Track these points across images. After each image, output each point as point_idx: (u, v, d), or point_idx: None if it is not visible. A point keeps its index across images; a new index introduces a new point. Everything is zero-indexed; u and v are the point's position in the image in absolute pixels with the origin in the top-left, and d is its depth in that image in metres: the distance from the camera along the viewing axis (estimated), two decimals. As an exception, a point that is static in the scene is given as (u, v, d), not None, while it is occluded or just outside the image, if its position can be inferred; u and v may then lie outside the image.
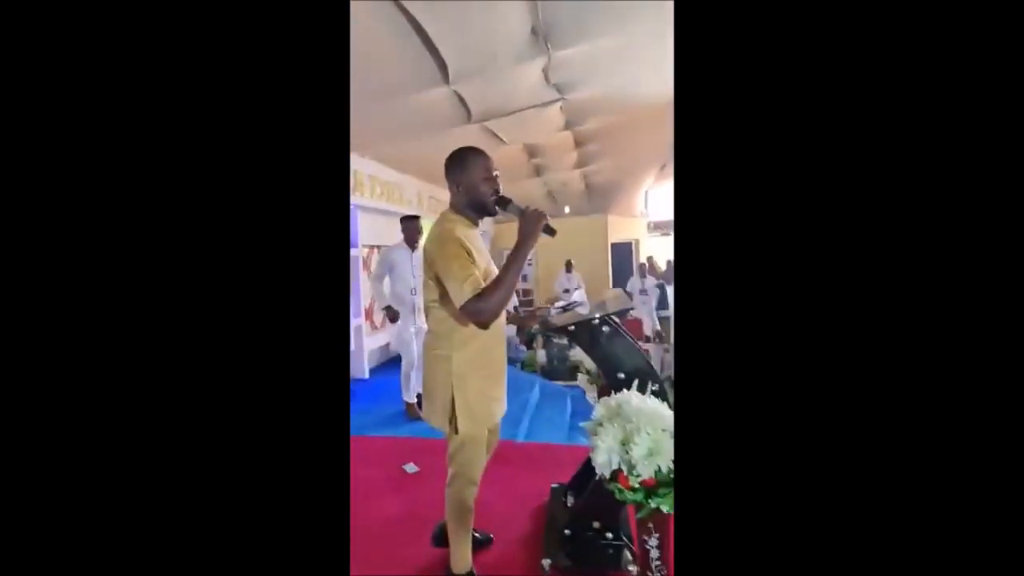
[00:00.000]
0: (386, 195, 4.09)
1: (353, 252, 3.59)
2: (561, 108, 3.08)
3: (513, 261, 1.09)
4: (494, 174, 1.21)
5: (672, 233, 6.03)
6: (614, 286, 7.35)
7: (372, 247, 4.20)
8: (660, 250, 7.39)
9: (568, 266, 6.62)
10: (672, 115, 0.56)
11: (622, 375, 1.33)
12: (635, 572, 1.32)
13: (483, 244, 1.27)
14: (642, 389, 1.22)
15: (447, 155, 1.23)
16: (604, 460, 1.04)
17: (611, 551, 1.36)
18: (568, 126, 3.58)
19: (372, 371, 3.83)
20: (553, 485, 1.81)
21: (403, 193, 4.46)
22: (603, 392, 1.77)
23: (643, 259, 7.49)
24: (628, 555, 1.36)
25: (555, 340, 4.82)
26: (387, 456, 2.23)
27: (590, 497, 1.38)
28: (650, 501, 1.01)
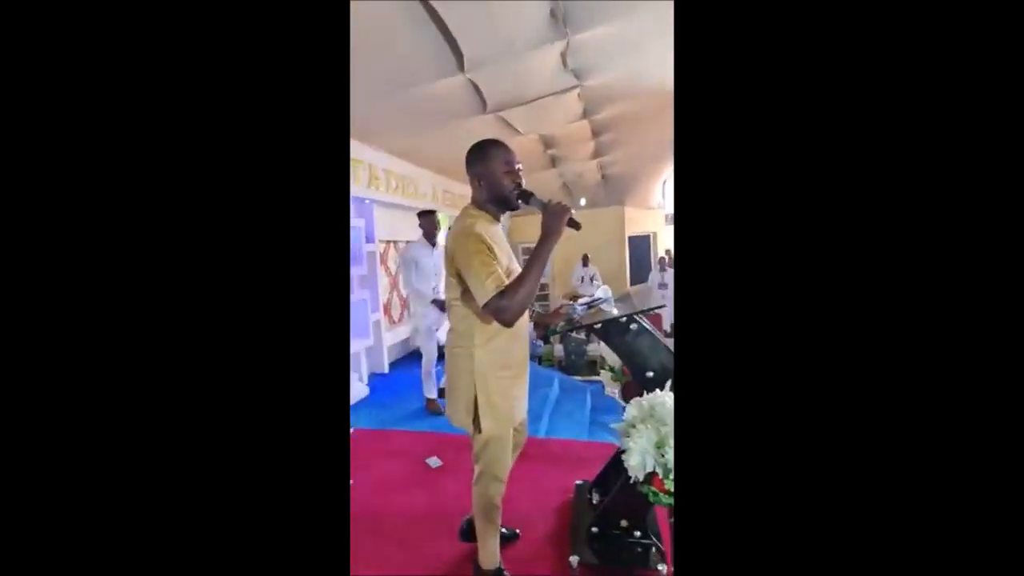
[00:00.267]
0: (401, 189, 4.09)
1: (370, 247, 3.60)
2: (579, 95, 3.01)
3: (537, 257, 1.06)
4: (516, 167, 1.18)
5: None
6: (632, 279, 7.25)
7: (388, 242, 4.21)
8: (679, 242, 7.23)
9: (585, 260, 6.54)
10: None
11: (651, 374, 1.30)
12: (664, 571, 1.30)
13: (505, 240, 1.24)
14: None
15: (462, 148, 1.20)
16: (638, 463, 1.01)
17: (639, 550, 1.34)
18: (585, 114, 3.51)
19: (391, 365, 3.86)
20: (577, 482, 1.80)
21: (418, 187, 4.45)
22: (628, 390, 1.74)
23: (662, 252, 7.37)
24: (657, 554, 1.34)
25: (573, 335, 4.79)
26: (410, 450, 2.24)
27: (617, 496, 1.36)
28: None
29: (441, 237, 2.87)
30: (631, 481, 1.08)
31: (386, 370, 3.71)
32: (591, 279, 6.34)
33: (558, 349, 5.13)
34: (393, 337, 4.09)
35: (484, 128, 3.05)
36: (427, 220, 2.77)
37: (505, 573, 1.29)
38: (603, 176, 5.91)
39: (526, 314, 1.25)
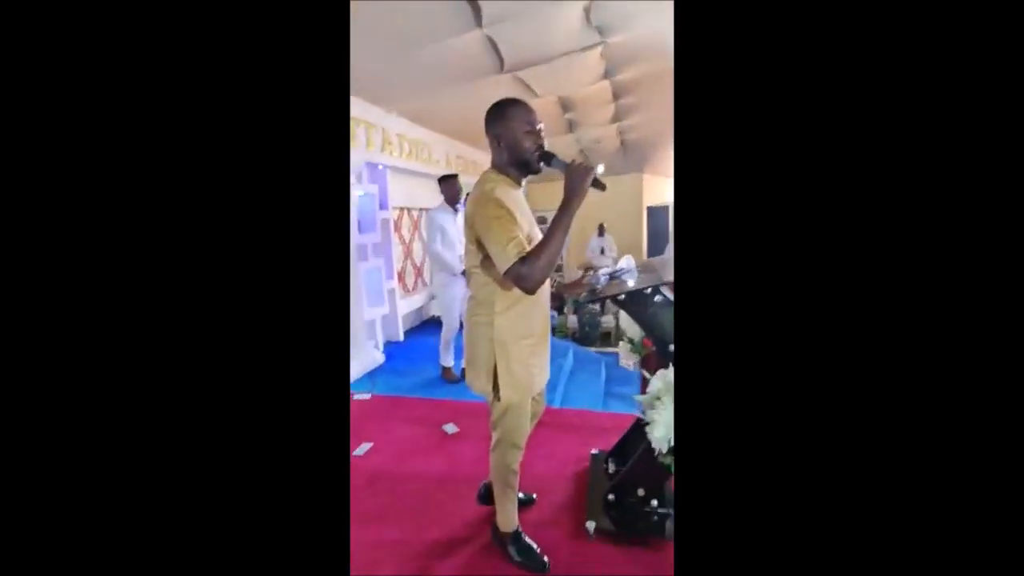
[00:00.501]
0: (415, 154, 4.00)
1: (383, 214, 3.56)
2: (601, 54, 2.85)
3: (559, 221, 1.01)
4: (538, 127, 1.11)
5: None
6: (649, 251, 7.11)
7: (402, 209, 4.16)
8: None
9: (600, 229, 6.41)
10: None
11: (673, 347, 1.27)
12: (680, 540, 1.32)
13: (527, 205, 1.19)
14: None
15: (477, 110, 1.13)
16: (662, 435, 1.00)
17: (656, 519, 1.35)
18: (606, 75, 3.33)
19: (406, 333, 3.90)
20: (593, 451, 1.81)
21: (432, 152, 4.35)
22: (648, 362, 1.72)
23: (680, 221, 7.16)
24: (673, 524, 1.35)
25: (588, 306, 4.75)
26: (427, 417, 2.28)
27: (635, 465, 1.36)
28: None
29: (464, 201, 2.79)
30: (655, 453, 1.07)
31: (401, 338, 3.75)
32: (604, 251, 6.24)
33: (572, 320, 5.12)
34: (408, 305, 4.11)
35: (500, 89, 2.92)
36: (449, 185, 2.68)
37: (523, 535, 1.32)
38: (622, 142, 5.70)
39: (547, 282, 1.21)
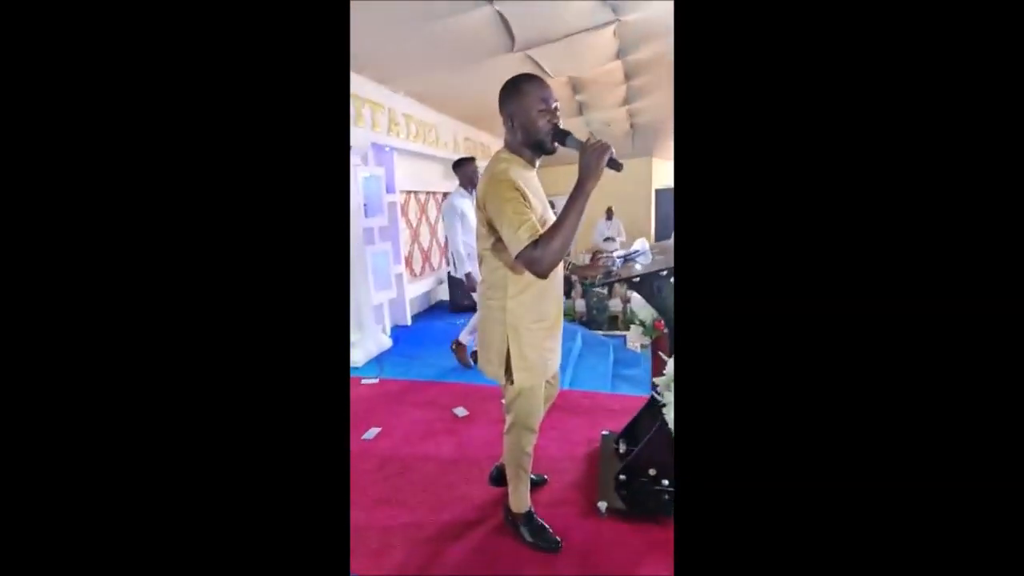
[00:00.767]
0: (422, 136, 3.94)
1: (391, 197, 3.53)
2: (615, 32, 2.77)
3: (574, 202, 0.99)
4: (553, 105, 1.08)
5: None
6: (658, 235, 7.04)
7: (409, 192, 4.12)
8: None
9: (609, 213, 6.35)
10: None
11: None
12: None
13: (540, 187, 1.17)
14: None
15: (485, 90, 1.11)
16: (678, 416, 0.99)
17: (667, 497, 1.36)
18: (619, 55, 3.25)
19: (414, 318, 3.91)
20: (603, 432, 1.82)
21: (439, 134, 4.29)
22: (662, 344, 1.71)
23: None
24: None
25: (595, 289, 4.74)
26: (436, 400, 2.30)
27: (646, 445, 1.36)
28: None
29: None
30: (673, 435, 1.07)
31: (408, 322, 3.76)
32: (613, 235, 6.18)
33: (580, 304, 5.11)
34: (415, 289, 4.11)
35: (510, 68, 2.82)
36: (465, 167, 2.62)
37: (535, 515, 1.33)
38: (632, 125, 5.59)
39: (561, 265, 1.20)
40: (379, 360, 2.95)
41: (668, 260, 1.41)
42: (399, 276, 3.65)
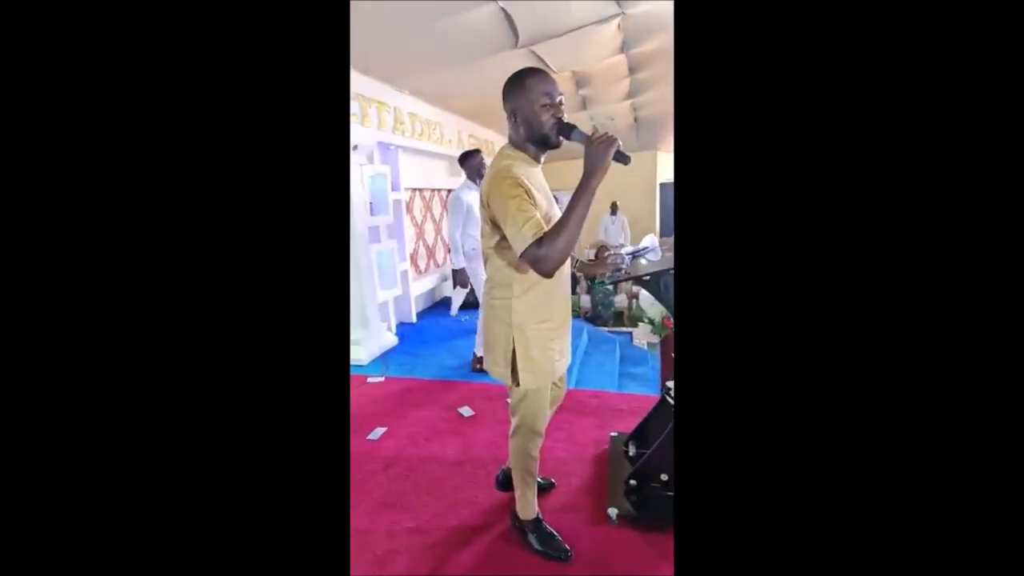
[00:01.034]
0: (426, 134, 3.92)
1: (396, 195, 3.51)
2: (619, 25, 2.71)
3: (580, 198, 0.95)
4: (557, 99, 1.05)
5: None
6: (662, 230, 6.97)
7: (414, 190, 4.10)
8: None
9: (613, 208, 6.28)
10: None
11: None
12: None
13: (545, 183, 1.13)
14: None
15: (489, 88, 1.09)
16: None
17: (678, 504, 1.32)
18: (623, 48, 3.19)
19: (419, 315, 3.89)
20: (612, 433, 1.78)
21: (443, 132, 4.26)
22: (670, 343, 1.66)
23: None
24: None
25: (601, 285, 4.69)
26: (441, 399, 2.27)
27: (657, 450, 1.32)
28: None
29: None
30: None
31: (414, 320, 3.75)
32: (620, 231, 6.12)
33: (585, 300, 5.07)
34: (420, 287, 4.10)
35: (514, 65, 2.78)
36: (472, 160, 2.55)
37: (543, 522, 1.30)
38: (636, 119, 5.52)
39: (568, 263, 1.16)
40: (384, 358, 2.94)
41: (678, 257, 1.37)
42: (404, 273, 3.63)
